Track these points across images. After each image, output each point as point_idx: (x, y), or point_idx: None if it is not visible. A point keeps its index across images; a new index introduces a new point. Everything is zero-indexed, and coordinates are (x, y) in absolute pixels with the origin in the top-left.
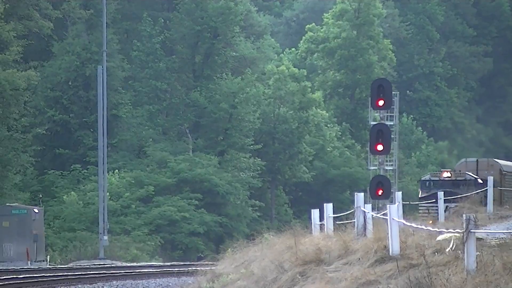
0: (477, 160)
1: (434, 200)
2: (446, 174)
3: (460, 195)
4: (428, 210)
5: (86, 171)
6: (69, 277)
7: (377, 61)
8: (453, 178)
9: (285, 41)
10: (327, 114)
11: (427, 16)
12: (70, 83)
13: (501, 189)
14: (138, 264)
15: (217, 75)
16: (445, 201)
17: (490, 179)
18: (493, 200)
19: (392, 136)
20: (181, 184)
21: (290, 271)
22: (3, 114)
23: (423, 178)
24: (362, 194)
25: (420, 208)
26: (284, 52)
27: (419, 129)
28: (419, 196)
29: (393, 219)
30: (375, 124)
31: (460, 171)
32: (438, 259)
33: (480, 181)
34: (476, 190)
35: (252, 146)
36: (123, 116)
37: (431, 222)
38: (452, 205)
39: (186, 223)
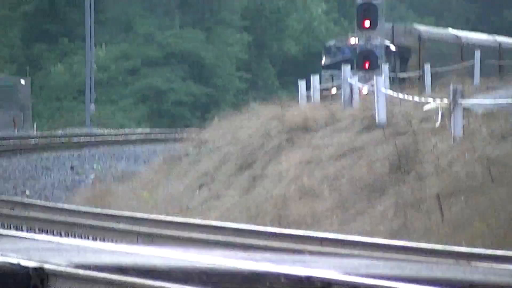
0: (392, 25)
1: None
2: (353, 41)
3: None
4: (332, 79)
5: (73, 44)
6: (56, 143)
7: None
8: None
9: None
10: None
11: None
12: None
13: (420, 59)
14: (125, 131)
15: None
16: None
17: (478, 53)
18: (411, 67)
19: (378, 13)
20: (169, 57)
21: (276, 138)
22: None
23: (327, 45)
24: (349, 66)
25: (324, 77)
26: None
27: (402, 5)
28: (322, 64)
29: (379, 90)
30: (361, 4)
31: (370, 37)
32: (425, 127)
33: (392, 48)
34: (387, 57)
35: (239, 23)
36: None
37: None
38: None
39: (173, 94)
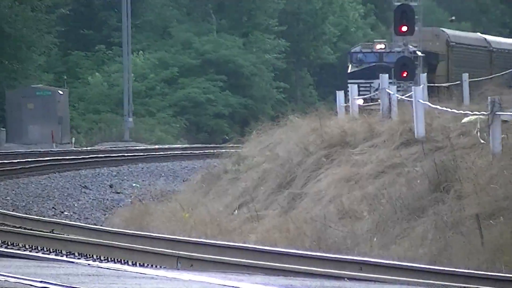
0: (418, 29)
1: (365, 77)
2: (379, 46)
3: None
4: (359, 87)
5: (110, 51)
6: (94, 159)
7: None
8: (387, 50)
9: None
10: None
11: None
12: None
13: (448, 65)
14: (163, 147)
15: None
16: (378, 76)
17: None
18: (438, 76)
19: (416, 17)
20: (206, 65)
21: (315, 154)
22: None
23: (353, 50)
24: (387, 75)
25: (349, 85)
26: None
27: (439, 10)
28: (348, 71)
29: (418, 101)
30: (399, 5)
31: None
32: (463, 142)
33: (419, 53)
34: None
35: (276, 28)
36: None
37: (362, 102)
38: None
39: (211, 105)
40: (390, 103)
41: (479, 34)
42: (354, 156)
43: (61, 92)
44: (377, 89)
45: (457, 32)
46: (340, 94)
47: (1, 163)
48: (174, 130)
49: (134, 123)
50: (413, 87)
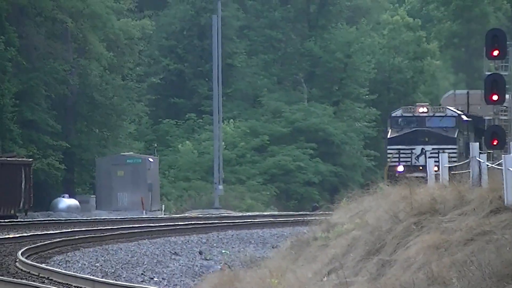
0: (467, 92)
1: (406, 143)
2: (422, 109)
3: (438, 134)
4: (399, 153)
5: (201, 120)
6: (184, 226)
7: (492, 12)
8: (431, 114)
9: None
10: (441, 63)
11: None
12: (184, 32)
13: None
14: (253, 213)
15: (332, 25)
16: (420, 142)
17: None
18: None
19: (507, 86)
20: (296, 133)
21: (405, 222)
22: (118, 63)
23: (393, 114)
24: (477, 144)
25: (389, 151)
26: (405, 1)
27: None
28: (388, 136)
29: (508, 169)
30: (489, 74)
31: (440, 105)
32: None
33: (464, 117)
34: (459, 129)
35: (367, 96)
36: (238, 66)
37: (401, 170)
38: (429, 147)
39: (301, 173)
40: (480, 171)
41: None
42: (443, 223)
43: (151, 160)
44: (418, 156)
45: None
46: (430, 162)
47: (91, 229)
48: (264, 197)
49: (224, 190)
50: (503, 155)
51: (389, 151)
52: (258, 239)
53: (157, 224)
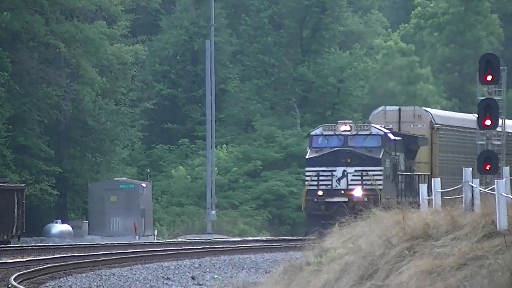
0: (399, 108)
1: (325, 164)
2: (344, 127)
3: (362, 155)
4: (318, 176)
5: (194, 145)
6: (177, 251)
7: (485, 36)
8: (354, 133)
9: (390, 16)
10: (434, 88)
11: None
12: (178, 58)
13: (431, 150)
14: (246, 238)
15: (325, 50)
16: (341, 163)
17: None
18: (418, 162)
19: (500, 110)
20: (289, 158)
21: (397, 247)
22: (111, 89)
23: (312, 133)
24: (470, 169)
25: (307, 174)
26: (399, 27)
27: None
28: (306, 157)
29: (500, 194)
30: (483, 99)
31: (364, 122)
32: None
33: (392, 136)
34: (385, 149)
35: (360, 121)
36: (231, 91)
37: (321, 194)
38: (351, 169)
39: (294, 198)
40: (472, 196)
41: (472, 115)
42: (436, 248)
43: (144, 185)
44: (340, 178)
45: (443, 112)
46: (423, 187)
47: (84, 255)
48: (256, 222)
49: (216, 215)
50: (495, 180)
51: (307, 174)
52: (251, 264)
53: (149, 249)
